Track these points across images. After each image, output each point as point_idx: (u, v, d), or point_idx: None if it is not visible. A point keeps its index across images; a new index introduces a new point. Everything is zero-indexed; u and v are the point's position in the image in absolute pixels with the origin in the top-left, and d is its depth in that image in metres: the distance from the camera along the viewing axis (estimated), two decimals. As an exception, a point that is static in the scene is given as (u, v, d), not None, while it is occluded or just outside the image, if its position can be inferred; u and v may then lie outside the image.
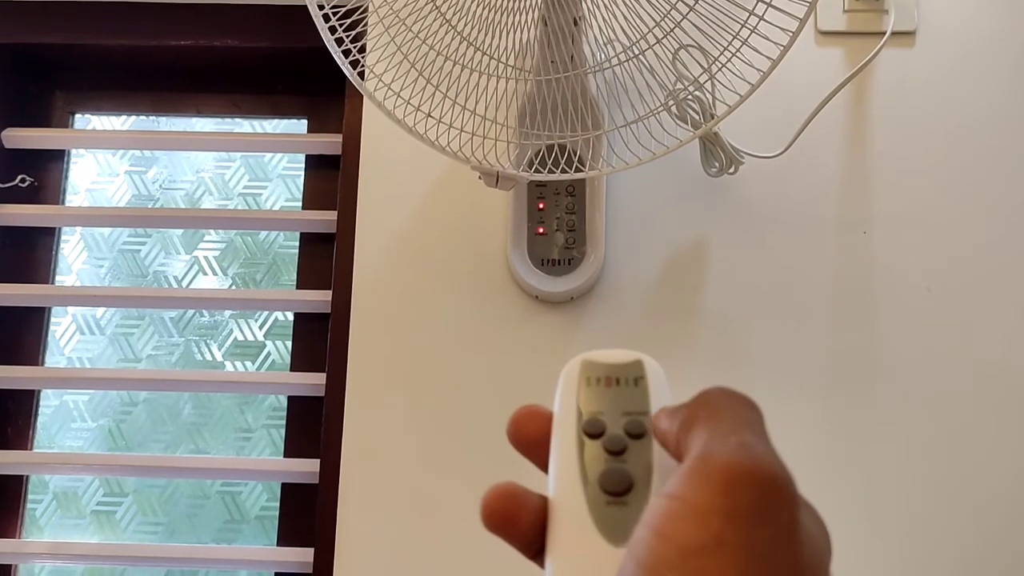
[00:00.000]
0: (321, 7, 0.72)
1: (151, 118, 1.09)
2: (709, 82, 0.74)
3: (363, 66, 0.72)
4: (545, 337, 0.84)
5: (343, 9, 0.72)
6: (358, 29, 0.72)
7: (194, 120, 1.08)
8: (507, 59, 0.72)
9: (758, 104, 0.87)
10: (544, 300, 0.84)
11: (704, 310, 0.84)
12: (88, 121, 1.09)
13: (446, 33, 0.71)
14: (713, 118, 0.77)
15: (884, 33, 0.87)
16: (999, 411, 0.82)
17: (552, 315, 0.84)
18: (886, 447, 0.81)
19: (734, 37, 0.68)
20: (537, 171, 0.72)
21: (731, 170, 0.84)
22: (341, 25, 0.71)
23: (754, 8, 0.68)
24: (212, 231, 1.05)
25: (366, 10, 0.73)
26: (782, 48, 0.68)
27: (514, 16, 0.70)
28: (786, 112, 0.84)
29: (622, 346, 0.85)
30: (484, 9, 0.71)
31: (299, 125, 1.08)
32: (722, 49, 0.70)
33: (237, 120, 1.08)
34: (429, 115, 0.69)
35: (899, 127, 0.87)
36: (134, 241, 1.06)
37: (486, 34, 0.71)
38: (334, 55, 0.71)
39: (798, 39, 0.88)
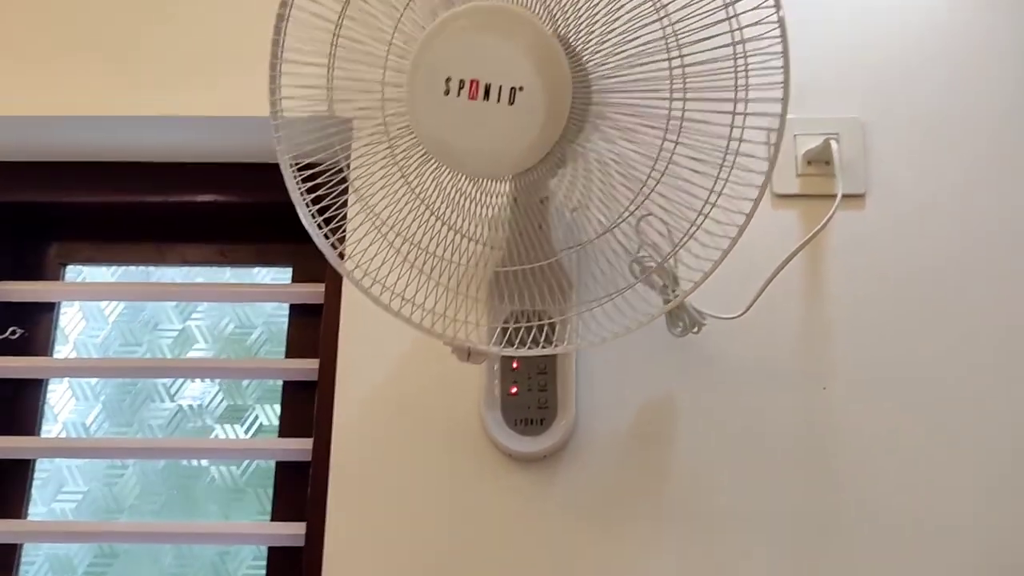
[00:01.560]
0: (302, 189, 0.76)
1: (140, 268, 1.13)
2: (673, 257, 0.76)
3: (342, 247, 0.76)
4: (519, 494, 0.86)
5: (322, 178, 0.76)
6: (339, 213, 0.77)
7: (184, 269, 1.12)
8: (480, 237, 0.76)
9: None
10: (517, 458, 0.87)
11: (674, 465, 0.87)
12: (79, 271, 1.13)
13: (424, 210, 0.75)
14: (678, 283, 0.81)
15: (835, 196, 0.92)
16: (962, 567, 0.84)
17: (526, 473, 0.87)
18: (855, 600, 0.83)
19: (691, 224, 0.71)
20: (508, 345, 0.75)
21: (695, 330, 0.88)
22: (320, 212, 0.75)
23: (707, 198, 0.72)
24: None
25: (344, 181, 0.77)
26: (738, 228, 0.72)
27: (485, 207, 0.74)
28: (746, 272, 0.88)
29: (596, 503, 0.85)
30: (457, 193, 0.75)
31: (284, 273, 1.12)
32: (683, 233, 0.74)
33: (224, 268, 1.12)
34: (402, 296, 0.73)
35: (854, 284, 0.92)
36: (120, 390, 1.08)
37: (457, 214, 0.75)
38: (314, 238, 0.76)
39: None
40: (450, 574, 0.85)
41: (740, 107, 0.70)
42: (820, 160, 0.94)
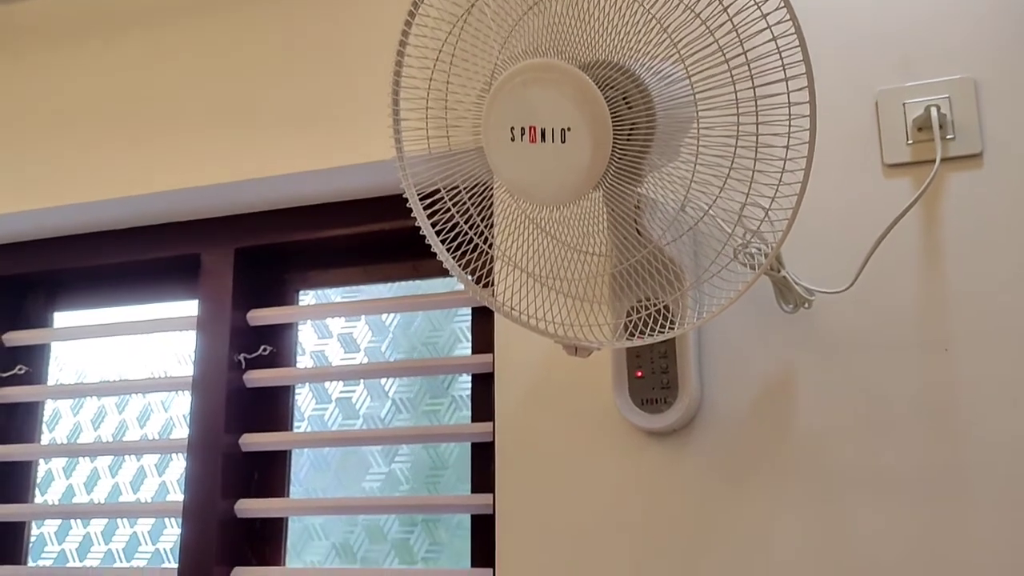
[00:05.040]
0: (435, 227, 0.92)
1: (355, 288, 1.36)
2: (767, 223, 0.81)
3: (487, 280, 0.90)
4: (655, 464, 0.97)
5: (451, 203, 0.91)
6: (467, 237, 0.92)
7: (383, 286, 1.34)
8: (595, 250, 0.87)
9: (831, 239, 0.96)
10: (651, 434, 0.97)
11: (797, 433, 0.93)
12: (309, 295, 1.39)
13: (542, 235, 0.87)
14: (778, 256, 0.87)
15: (950, 159, 0.92)
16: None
17: (660, 446, 0.97)
18: (978, 561, 0.85)
19: (776, 188, 0.75)
20: (630, 336, 0.86)
21: (805, 305, 0.93)
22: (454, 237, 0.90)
23: (785, 166, 0.76)
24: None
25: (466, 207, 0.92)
26: (803, 171, 0.74)
27: (590, 225, 0.85)
28: (859, 246, 0.91)
29: (725, 469, 0.93)
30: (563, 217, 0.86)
31: (465, 280, 1.30)
32: (770, 199, 0.78)
33: (417, 282, 1.33)
34: (532, 317, 0.86)
35: (972, 245, 0.91)
36: (347, 390, 1.33)
37: (571, 235, 0.87)
38: (452, 271, 0.91)
39: (866, 173, 0.97)
40: (599, 533, 0.98)
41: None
42: (929, 126, 0.94)
